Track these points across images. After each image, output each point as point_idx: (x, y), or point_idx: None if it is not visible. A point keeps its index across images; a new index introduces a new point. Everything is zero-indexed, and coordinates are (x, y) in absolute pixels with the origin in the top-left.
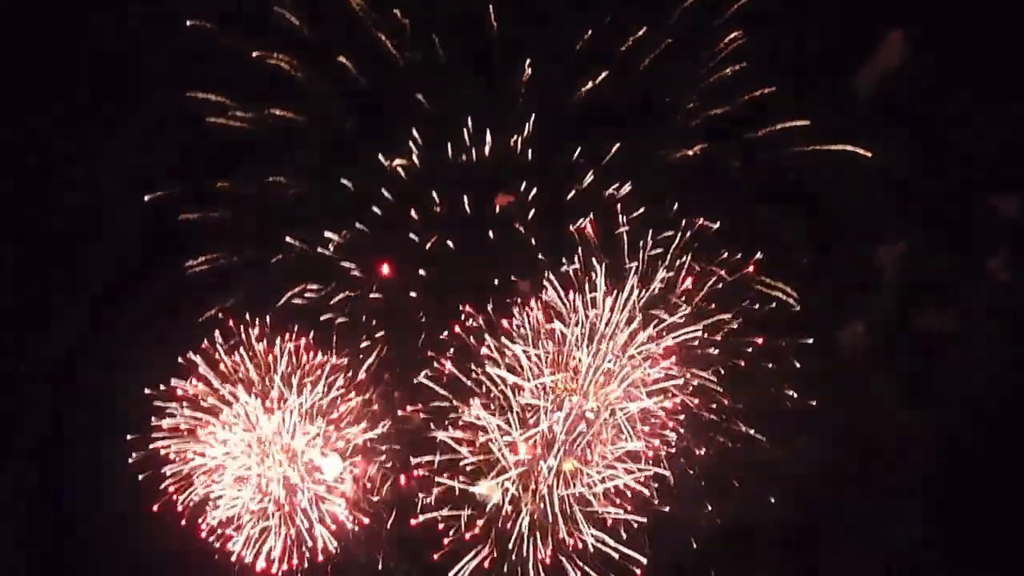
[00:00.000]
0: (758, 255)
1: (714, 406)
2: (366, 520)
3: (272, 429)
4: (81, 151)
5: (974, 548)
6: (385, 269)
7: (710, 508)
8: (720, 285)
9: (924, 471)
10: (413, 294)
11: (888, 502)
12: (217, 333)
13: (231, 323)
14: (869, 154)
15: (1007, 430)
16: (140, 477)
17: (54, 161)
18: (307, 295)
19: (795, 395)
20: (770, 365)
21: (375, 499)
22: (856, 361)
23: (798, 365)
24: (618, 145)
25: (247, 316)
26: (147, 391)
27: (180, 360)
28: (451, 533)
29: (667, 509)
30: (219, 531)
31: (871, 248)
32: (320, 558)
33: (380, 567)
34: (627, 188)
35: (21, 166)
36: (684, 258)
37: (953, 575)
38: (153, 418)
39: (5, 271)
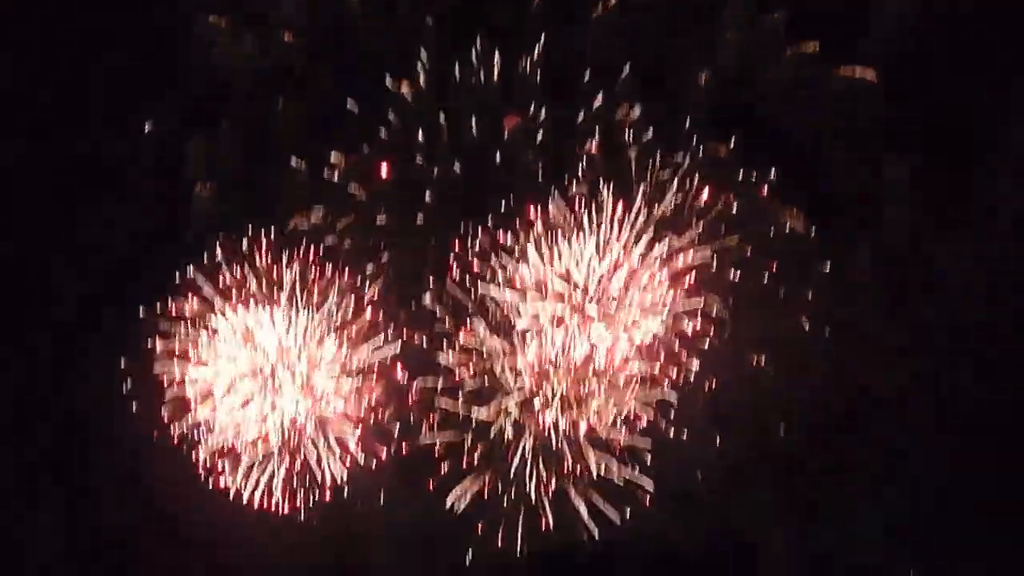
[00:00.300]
0: (772, 175)
1: (725, 334)
2: (382, 450)
3: (277, 348)
4: (80, 76)
5: (978, 491)
6: (384, 171)
7: (718, 438)
8: (734, 209)
9: (932, 407)
10: (419, 218)
11: (897, 438)
12: (218, 250)
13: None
14: (874, 78)
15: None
16: (134, 406)
17: (52, 88)
18: (312, 219)
19: (807, 326)
20: (781, 292)
21: (382, 423)
22: (865, 291)
23: (810, 297)
24: (629, 67)
25: (250, 231)
26: (141, 312)
27: (178, 278)
28: (450, 460)
29: (674, 437)
30: (216, 463)
31: (881, 173)
32: (328, 496)
33: (382, 502)
34: (637, 111)
35: (18, 90)
36: (694, 178)
37: (954, 517)
38: (149, 340)
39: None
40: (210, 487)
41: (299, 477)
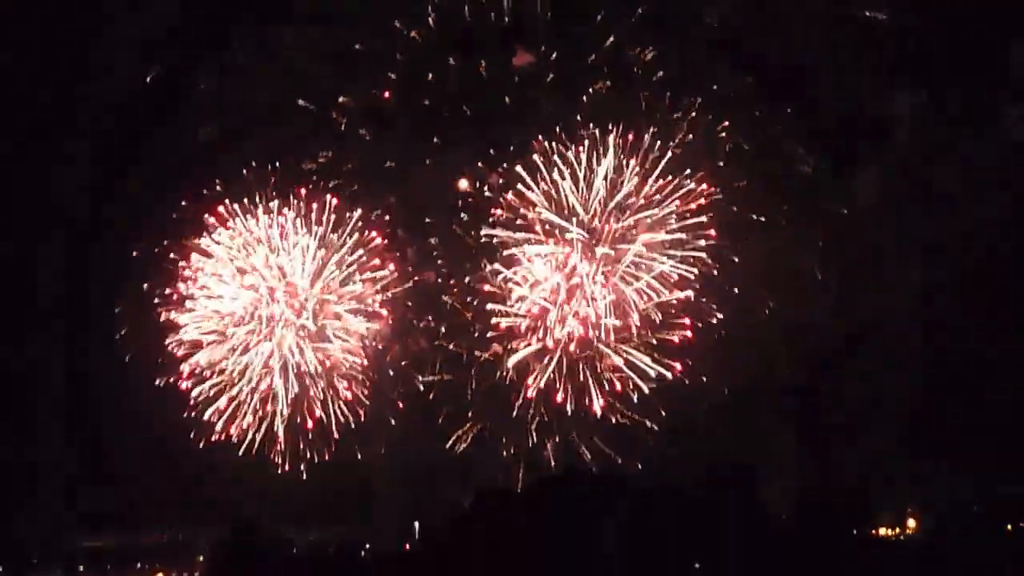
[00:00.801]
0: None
1: (731, 272)
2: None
3: (284, 287)
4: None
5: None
6: (387, 95)
7: (724, 376)
8: (747, 146)
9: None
10: (428, 161)
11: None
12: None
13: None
14: (883, 16)
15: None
16: (127, 358)
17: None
18: (319, 159)
19: (816, 266)
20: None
21: (389, 365)
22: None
23: (821, 240)
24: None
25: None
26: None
27: (175, 215)
28: (453, 401)
29: (680, 375)
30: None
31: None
32: (334, 448)
33: (383, 451)
34: (649, 52)
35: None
36: (704, 118)
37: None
38: (146, 284)
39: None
40: (203, 442)
41: (302, 429)
